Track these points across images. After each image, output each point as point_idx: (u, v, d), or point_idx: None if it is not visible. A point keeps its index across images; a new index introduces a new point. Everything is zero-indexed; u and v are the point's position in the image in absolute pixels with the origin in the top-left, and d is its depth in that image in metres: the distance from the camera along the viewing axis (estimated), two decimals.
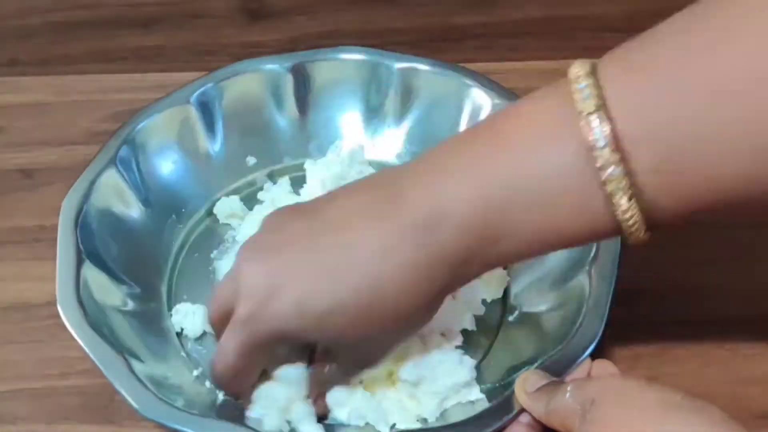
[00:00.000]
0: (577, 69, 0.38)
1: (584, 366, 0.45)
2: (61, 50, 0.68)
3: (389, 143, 0.61)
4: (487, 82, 0.60)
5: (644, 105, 0.37)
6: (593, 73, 0.38)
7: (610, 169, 0.36)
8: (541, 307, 0.52)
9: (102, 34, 0.68)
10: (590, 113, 0.36)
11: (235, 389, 0.46)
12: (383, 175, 0.44)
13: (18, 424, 0.49)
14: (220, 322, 0.45)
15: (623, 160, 0.36)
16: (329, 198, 0.44)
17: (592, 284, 0.50)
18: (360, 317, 0.41)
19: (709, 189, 0.37)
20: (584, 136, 0.36)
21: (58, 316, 0.50)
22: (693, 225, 0.57)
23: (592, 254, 0.51)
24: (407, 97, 0.61)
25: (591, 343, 0.47)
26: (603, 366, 0.43)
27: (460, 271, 0.41)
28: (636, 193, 0.37)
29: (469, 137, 0.42)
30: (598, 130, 0.36)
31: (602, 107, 0.36)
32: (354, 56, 0.61)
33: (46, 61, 0.68)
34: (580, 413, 0.37)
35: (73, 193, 0.53)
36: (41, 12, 0.67)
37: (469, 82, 0.60)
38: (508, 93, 0.59)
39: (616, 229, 0.38)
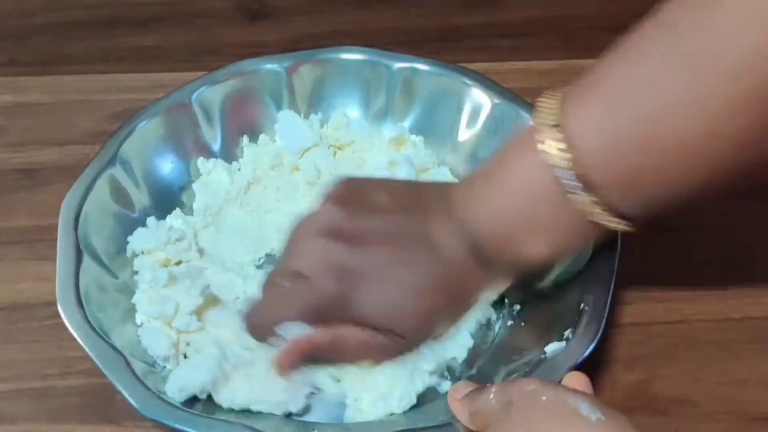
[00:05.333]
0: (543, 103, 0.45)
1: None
2: (61, 50, 0.68)
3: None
4: (487, 82, 0.60)
5: (596, 127, 0.43)
6: (557, 103, 0.44)
7: (570, 181, 0.43)
8: (540, 308, 0.52)
9: (102, 34, 0.68)
10: (548, 139, 0.44)
11: (265, 337, 0.49)
12: (443, 197, 0.50)
13: (18, 424, 0.49)
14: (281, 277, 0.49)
15: (582, 175, 0.43)
16: (404, 205, 0.50)
17: (591, 285, 0.50)
18: (426, 309, 0.49)
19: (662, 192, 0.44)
20: (546, 160, 0.44)
21: (58, 316, 0.50)
22: (692, 225, 0.58)
23: (591, 254, 0.51)
24: (407, 97, 0.61)
25: (590, 344, 0.47)
26: (574, 380, 0.43)
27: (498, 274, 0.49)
28: (598, 200, 0.44)
29: (482, 176, 0.49)
30: (556, 152, 0.43)
31: (560, 130, 0.43)
32: (354, 56, 0.61)
33: (45, 61, 0.68)
34: (500, 414, 0.37)
35: (73, 192, 0.53)
36: (41, 12, 0.67)
37: (469, 82, 0.60)
38: (508, 93, 0.59)
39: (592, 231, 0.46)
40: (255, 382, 0.48)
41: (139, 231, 0.54)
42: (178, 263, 0.53)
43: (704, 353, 0.52)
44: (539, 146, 0.44)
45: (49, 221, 0.55)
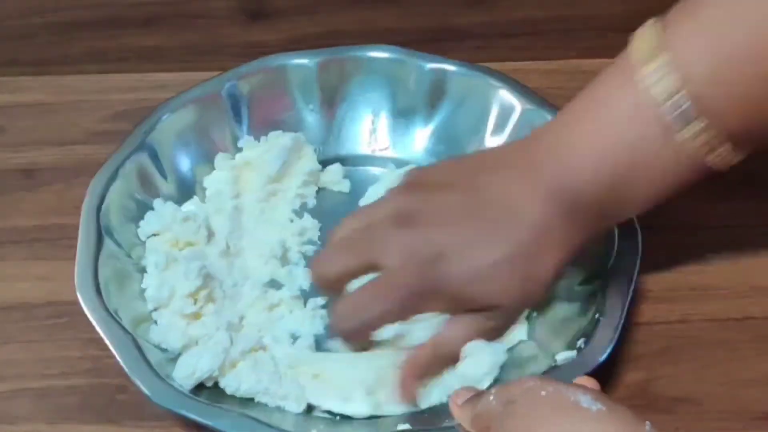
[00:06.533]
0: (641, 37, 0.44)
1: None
2: (61, 50, 0.68)
3: (417, 142, 0.62)
4: (513, 83, 0.60)
5: (706, 45, 0.41)
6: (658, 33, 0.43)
7: (680, 111, 0.42)
8: (555, 316, 0.52)
9: (102, 34, 0.68)
10: (652, 71, 0.42)
11: (361, 338, 0.48)
12: (520, 152, 0.48)
13: (18, 424, 0.49)
14: (345, 278, 0.48)
15: (696, 100, 0.41)
16: (475, 173, 0.48)
17: (608, 295, 0.50)
18: (518, 274, 0.46)
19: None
20: (650, 95, 0.42)
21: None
22: (692, 225, 0.58)
23: (611, 262, 0.51)
24: (436, 97, 0.61)
25: (601, 355, 0.47)
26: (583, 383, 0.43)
27: (588, 228, 0.47)
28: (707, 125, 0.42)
29: (578, 113, 0.47)
30: (662, 84, 0.41)
31: (664, 57, 0.42)
32: (385, 54, 0.61)
33: (46, 61, 0.68)
34: (501, 413, 0.37)
35: (98, 178, 0.53)
36: (41, 12, 0.66)
37: (495, 83, 0.60)
38: (533, 94, 0.59)
39: (697, 165, 0.43)
40: (262, 374, 0.48)
41: (148, 214, 0.54)
42: (190, 245, 0.53)
43: (705, 353, 0.52)
44: (641, 81, 0.42)
45: (49, 221, 0.55)
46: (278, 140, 0.59)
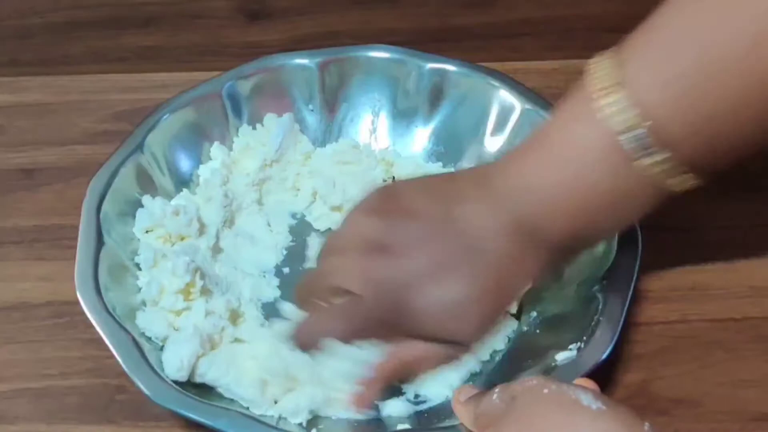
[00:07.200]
0: (598, 67, 0.44)
1: None
2: (61, 50, 0.68)
3: (417, 142, 0.62)
4: (513, 83, 0.60)
5: (663, 78, 0.42)
6: (615, 68, 0.43)
7: (638, 142, 0.42)
8: (556, 317, 0.52)
9: (102, 34, 0.68)
10: (610, 101, 0.42)
11: (312, 347, 0.48)
12: (484, 185, 0.48)
13: (18, 424, 0.49)
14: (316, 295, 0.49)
15: (655, 129, 0.42)
16: (441, 202, 0.48)
17: (609, 297, 0.50)
18: (484, 311, 0.48)
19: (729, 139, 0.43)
20: (608, 124, 0.42)
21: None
22: (692, 225, 0.58)
23: (611, 262, 0.51)
24: (437, 96, 0.61)
25: (600, 356, 0.47)
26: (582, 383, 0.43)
27: (555, 258, 0.48)
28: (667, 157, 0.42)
29: (531, 150, 0.47)
30: (621, 112, 0.42)
31: (622, 88, 0.42)
32: (385, 54, 0.61)
33: (45, 61, 0.68)
34: (504, 410, 0.38)
35: (98, 178, 0.53)
36: (41, 12, 0.67)
37: (495, 83, 0.60)
38: (533, 94, 0.59)
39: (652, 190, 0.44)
40: (231, 367, 0.47)
41: (139, 211, 0.54)
42: (182, 239, 0.54)
43: (704, 353, 0.52)
44: (600, 111, 0.42)
45: (49, 221, 0.55)
46: (274, 122, 0.60)
